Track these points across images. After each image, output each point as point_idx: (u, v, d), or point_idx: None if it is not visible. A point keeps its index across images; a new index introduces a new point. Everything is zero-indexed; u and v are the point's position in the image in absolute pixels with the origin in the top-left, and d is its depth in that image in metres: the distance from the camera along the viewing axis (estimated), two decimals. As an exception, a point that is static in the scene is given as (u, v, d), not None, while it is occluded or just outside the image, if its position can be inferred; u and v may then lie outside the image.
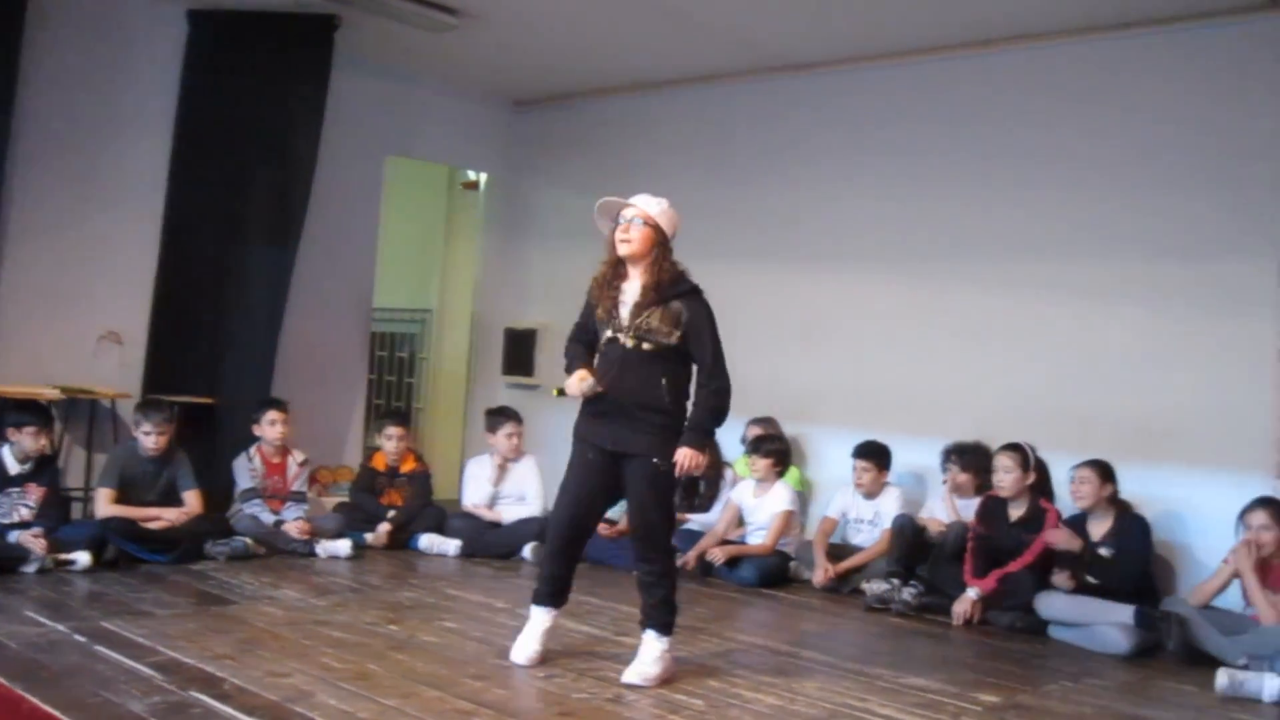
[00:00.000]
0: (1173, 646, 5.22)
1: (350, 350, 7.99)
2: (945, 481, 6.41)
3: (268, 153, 6.89)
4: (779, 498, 6.55)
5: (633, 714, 3.93)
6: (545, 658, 4.44)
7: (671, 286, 4.29)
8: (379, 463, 6.93)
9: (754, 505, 6.64)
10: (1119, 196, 6.29)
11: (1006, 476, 5.87)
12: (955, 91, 6.92)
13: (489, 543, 6.68)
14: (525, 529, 6.69)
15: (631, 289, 4.36)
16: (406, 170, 8.88)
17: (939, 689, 4.49)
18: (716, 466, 7.06)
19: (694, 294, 4.32)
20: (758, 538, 6.57)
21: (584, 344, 4.53)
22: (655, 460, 4.27)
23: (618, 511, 5.78)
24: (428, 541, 6.66)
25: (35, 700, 3.56)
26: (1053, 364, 6.45)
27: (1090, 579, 5.62)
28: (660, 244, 4.34)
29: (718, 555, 6.40)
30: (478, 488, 6.94)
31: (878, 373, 7.11)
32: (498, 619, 5.21)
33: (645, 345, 4.26)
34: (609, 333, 4.36)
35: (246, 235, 6.86)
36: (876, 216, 7.20)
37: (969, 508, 6.22)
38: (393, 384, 9.71)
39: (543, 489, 6.91)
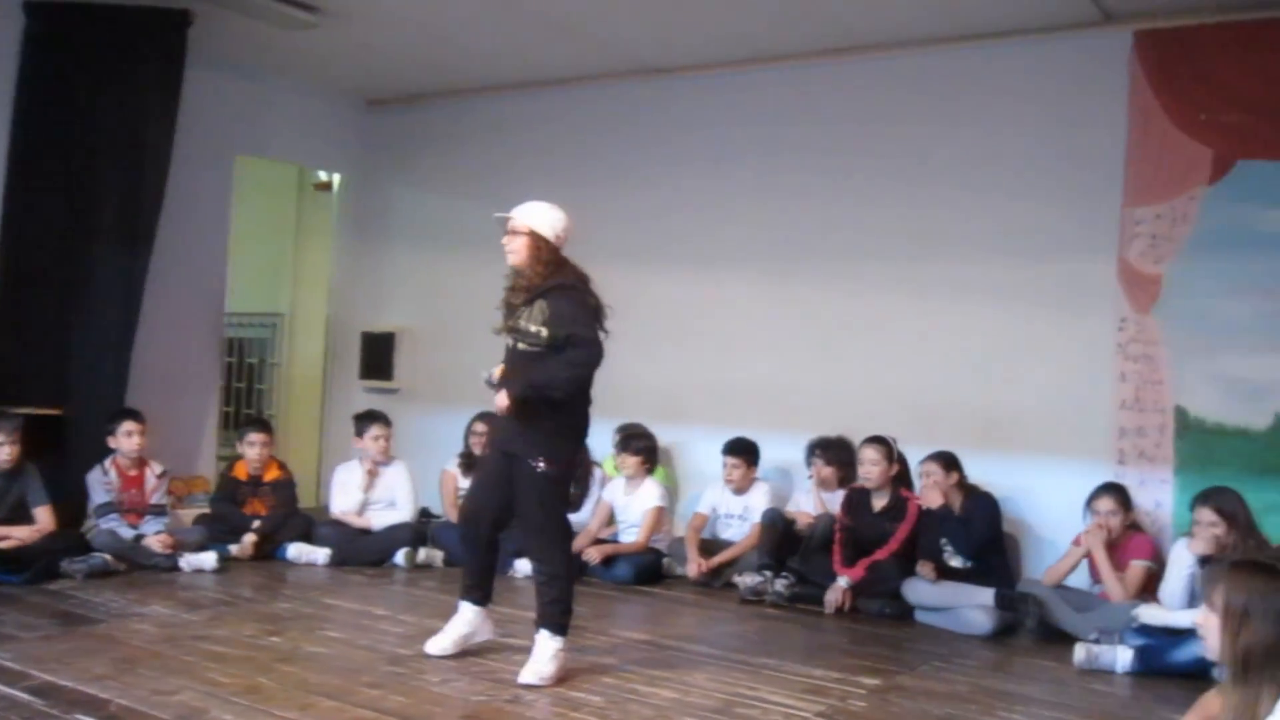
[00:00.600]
0: (1031, 625, 5.53)
1: (202, 357, 7.72)
2: (810, 476, 6.60)
3: (117, 153, 6.58)
4: (649, 495, 6.64)
5: (533, 713, 3.96)
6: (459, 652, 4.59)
7: (541, 285, 4.41)
8: (240, 471, 6.72)
9: (625, 503, 6.72)
10: (969, 200, 6.59)
11: (873, 469, 6.09)
12: (812, 97, 7.12)
13: (360, 550, 6.56)
14: (398, 535, 6.61)
15: (517, 292, 4.51)
16: (254, 171, 8.63)
17: (823, 675, 4.66)
18: (586, 466, 7.13)
19: (560, 289, 4.40)
20: (630, 535, 6.65)
21: None
22: (535, 462, 4.34)
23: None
24: (296, 551, 6.50)
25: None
26: (910, 360, 6.71)
27: (953, 561, 5.89)
28: (537, 248, 4.45)
29: (594, 555, 6.44)
30: (346, 494, 6.81)
31: (742, 371, 7.26)
32: (380, 626, 5.15)
33: (520, 345, 4.42)
34: (504, 335, 4.55)
35: (96, 239, 6.54)
36: (738, 218, 7.34)
37: (834, 500, 6.44)
38: (242, 391, 9.42)
39: (414, 494, 6.83)
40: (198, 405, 7.69)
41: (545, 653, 4.33)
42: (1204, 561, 5.07)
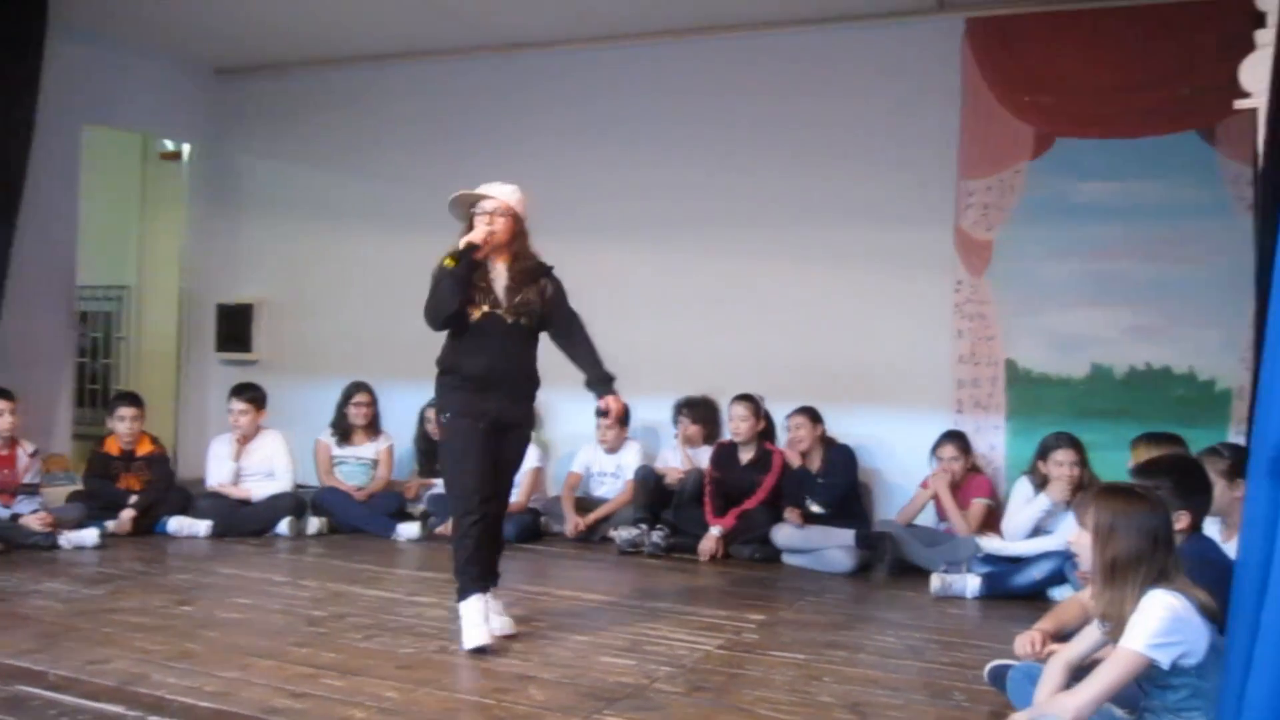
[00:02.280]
0: (887, 561, 6.07)
1: (55, 331, 7.58)
2: (677, 434, 6.99)
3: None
4: (528, 457, 6.87)
5: (462, 660, 4.21)
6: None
7: (537, 267, 4.58)
8: (112, 447, 6.66)
9: (503, 466, 6.95)
10: (819, 172, 7.07)
11: (742, 424, 6.51)
12: (678, 73, 7.48)
13: (241, 520, 6.62)
14: (279, 504, 6.69)
15: (499, 270, 4.54)
16: (96, 141, 8.43)
17: (712, 614, 5.06)
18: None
19: (551, 271, 4.65)
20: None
21: None
22: (529, 429, 4.66)
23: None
24: (177, 524, 6.50)
25: None
26: (767, 322, 7.17)
27: (815, 508, 6.38)
28: (521, 229, 4.58)
29: None
30: (220, 465, 6.84)
31: (608, 336, 7.53)
32: (286, 591, 5.29)
33: (523, 320, 4.51)
34: (485, 308, 4.47)
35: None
36: (605, 188, 7.62)
37: (699, 456, 6.84)
38: (85, 365, 9.20)
39: (292, 463, 6.91)
40: (52, 381, 7.55)
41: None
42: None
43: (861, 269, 6.96)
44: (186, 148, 8.84)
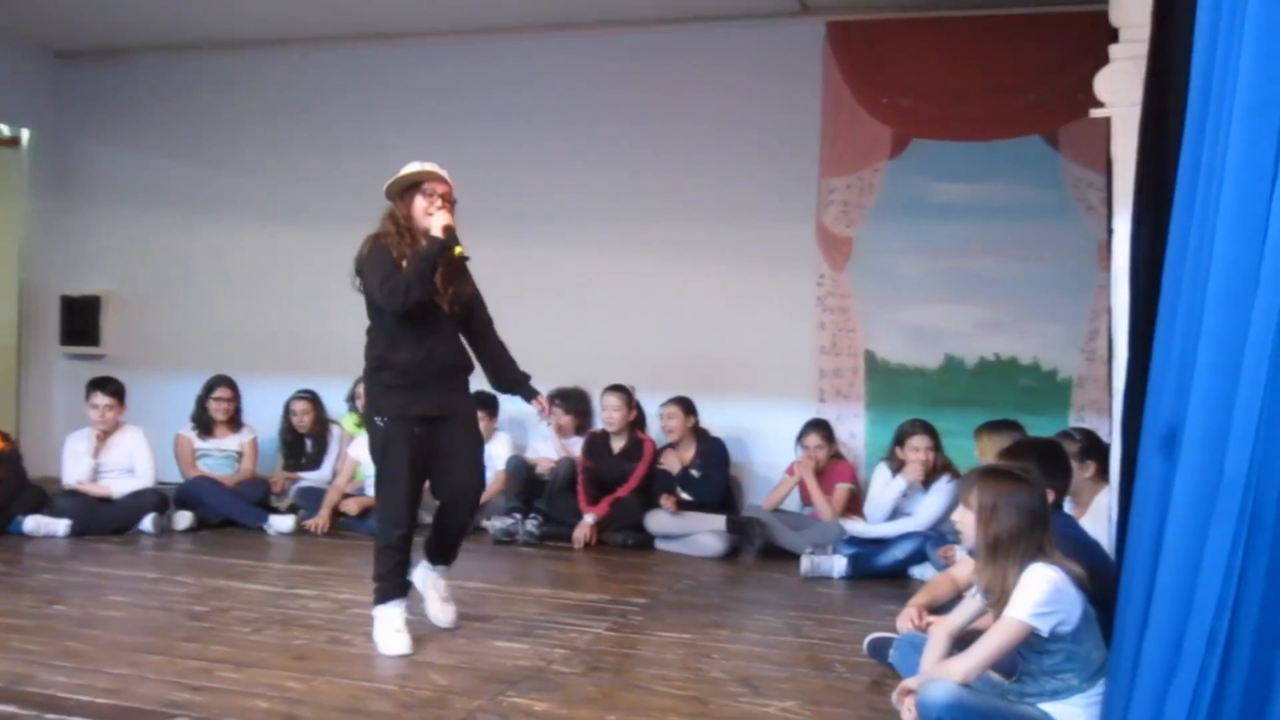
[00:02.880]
0: (757, 545, 6.27)
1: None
2: (550, 424, 7.06)
3: None
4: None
5: (354, 650, 4.21)
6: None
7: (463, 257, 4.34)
8: (-41, 445, 6.39)
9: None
10: (687, 168, 7.26)
11: (615, 414, 6.63)
12: (544, 68, 7.56)
13: (102, 518, 6.38)
14: (142, 501, 6.48)
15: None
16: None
17: (595, 598, 5.18)
18: (324, 425, 7.29)
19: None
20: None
21: None
22: (473, 416, 4.48)
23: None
24: (34, 523, 6.22)
25: None
26: (637, 314, 7.32)
27: (685, 495, 6.55)
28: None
29: (351, 506, 6.64)
30: (78, 462, 6.59)
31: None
32: (161, 589, 5.17)
33: (458, 310, 4.38)
34: (434, 297, 4.27)
35: None
36: (468, 182, 7.55)
37: (572, 445, 6.94)
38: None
39: (154, 459, 6.71)
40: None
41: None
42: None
43: (728, 263, 7.16)
44: (25, 134, 8.45)
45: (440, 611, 4.55)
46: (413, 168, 4.37)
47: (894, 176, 6.95)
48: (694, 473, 6.59)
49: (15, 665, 3.88)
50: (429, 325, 4.27)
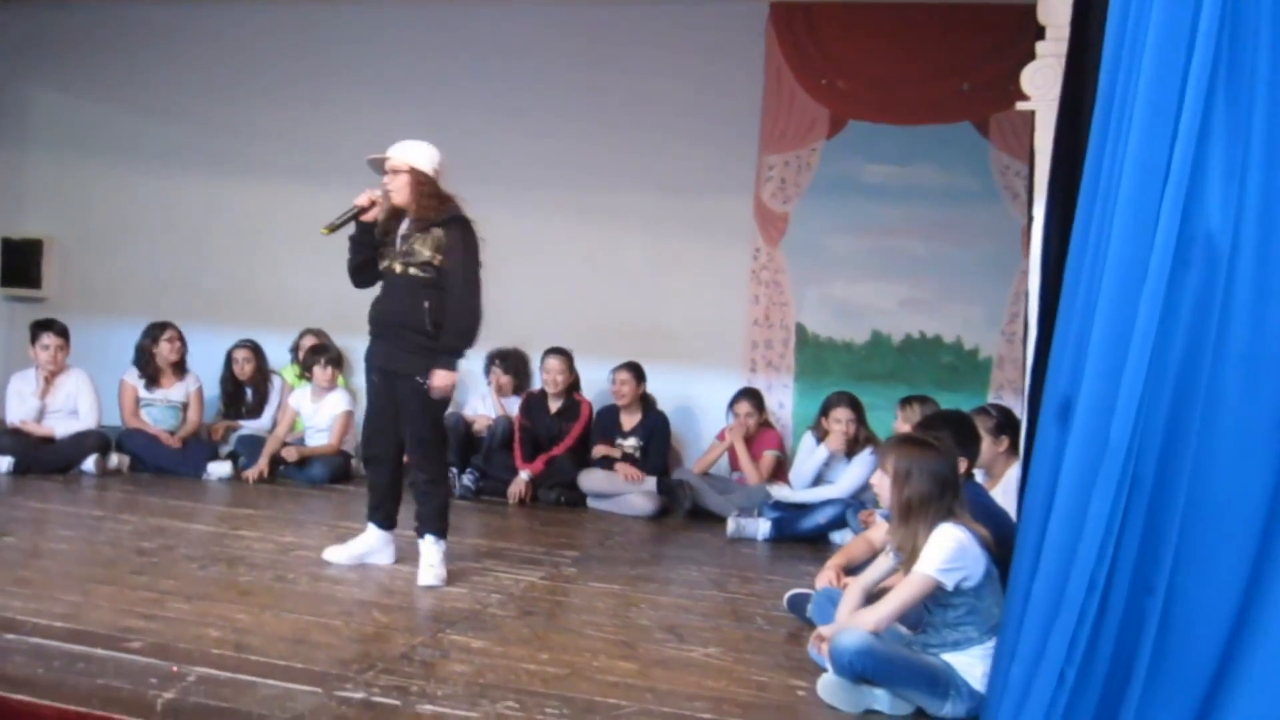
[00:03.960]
0: (685, 507, 6.53)
1: None
2: (489, 383, 7.25)
3: None
4: (338, 401, 7.02)
5: (301, 588, 4.40)
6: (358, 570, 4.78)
7: (435, 215, 4.63)
8: (-99, 381, 6.43)
9: (313, 409, 7.05)
10: (629, 140, 7.42)
11: (558, 376, 6.83)
12: (485, 36, 7.68)
13: (44, 458, 6.46)
14: (83, 442, 6.56)
15: (406, 225, 4.69)
16: None
17: (529, 550, 5.41)
18: (264, 375, 7.41)
19: (457, 222, 4.66)
20: (319, 439, 7.00)
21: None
22: (419, 379, 4.62)
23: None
24: (-24, 460, 6.35)
25: None
26: (576, 280, 7.50)
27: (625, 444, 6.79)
28: (419, 183, 4.65)
29: (291, 454, 6.78)
30: (22, 402, 6.65)
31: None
32: (106, 525, 5.31)
33: (411, 270, 4.62)
34: (386, 262, 4.68)
35: None
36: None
37: (510, 405, 7.13)
38: None
39: (97, 402, 6.78)
40: None
41: (435, 555, 4.67)
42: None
43: (668, 234, 7.38)
44: (-37, 76, 8.41)
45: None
46: (376, 155, 4.73)
47: (830, 156, 7.20)
48: (635, 440, 6.79)
49: (-32, 592, 4.02)
50: (387, 286, 4.72)
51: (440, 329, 4.61)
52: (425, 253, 4.62)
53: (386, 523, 4.88)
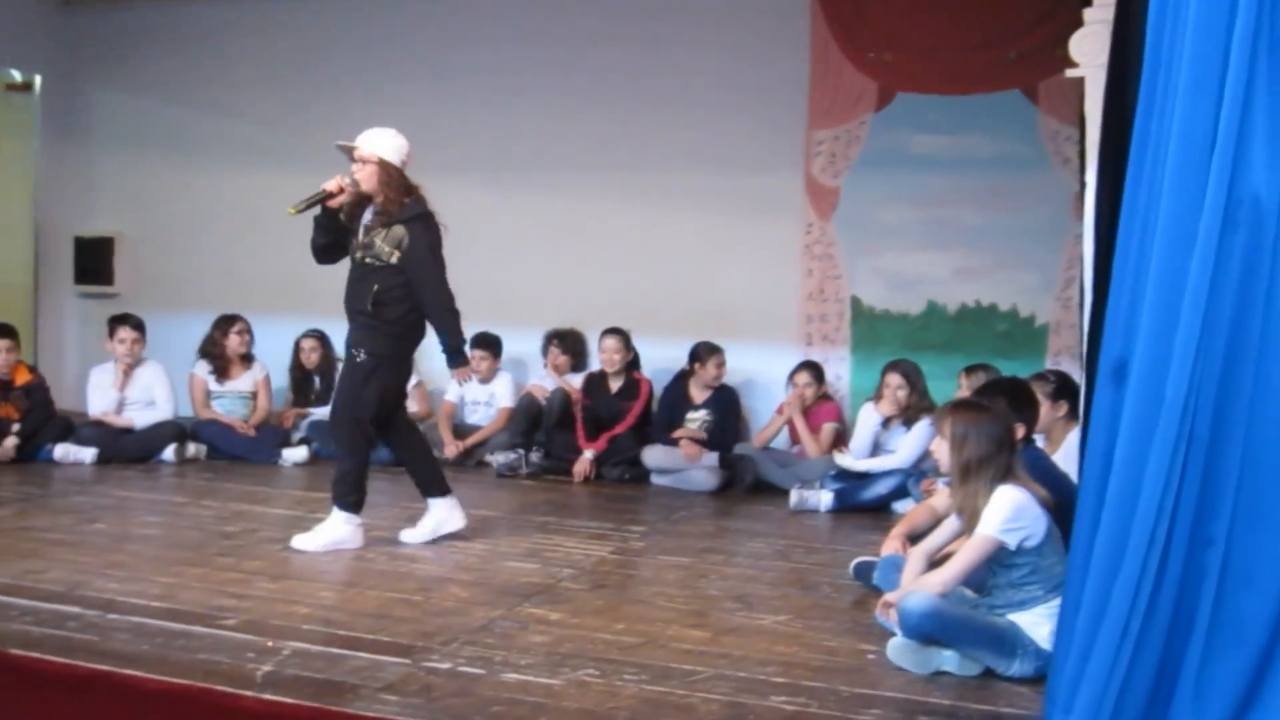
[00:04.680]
0: (747, 481, 6.63)
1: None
2: (547, 364, 7.39)
3: None
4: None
5: (381, 566, 4.56)
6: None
7: (399, 212, 4.80)
8: (-13, 377, 6.69)
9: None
10: (677, 119, 7.50)
11: (615, 355, 6.95)
12: (535, 22, 7.77)
13: (124, 448, 6.72)
14: (163, 432, 6.82)
15: (369, 213, 4.89)
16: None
17: (597, 526, 5.54)
18: (330, 363, 7.60)
19: (418, 220, 4.83)
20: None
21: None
22: (354, 351, 4.85)
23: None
24: (63, 451, 6.57)
25: None
26: (630, 260, 7.61)
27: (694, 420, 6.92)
28: (385, 174, 4.79)
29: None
30: (102, 395, 6.90)
31: (474, 273, 7.85)
32: (189, 511, 5.51)
33: (367, 260, 4.83)
34: (350, 248, 4.92)
35: None
36: (465, 132, 7.87)
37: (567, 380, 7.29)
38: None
39: (172, 393, 7.02)
40: (-97, 312, 7.43)
41: (329, 524, 4.85)
42: (886, 421, 6.36)
43: (720, 212, 7.46)
44: (38, 79, 8.65)
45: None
46: (344, 143, 4.91)
47: (878, 129, 7.24)
48: (705, 414, 6.90)
49: (68, 574, 4.22)
50: (351, 272, 4.92)
51: (381, 309, 4.81)
52: (385, 249, 4.79)
53: (443, 490, 5.09)
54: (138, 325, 6.99)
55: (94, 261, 8.55)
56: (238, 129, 8.40)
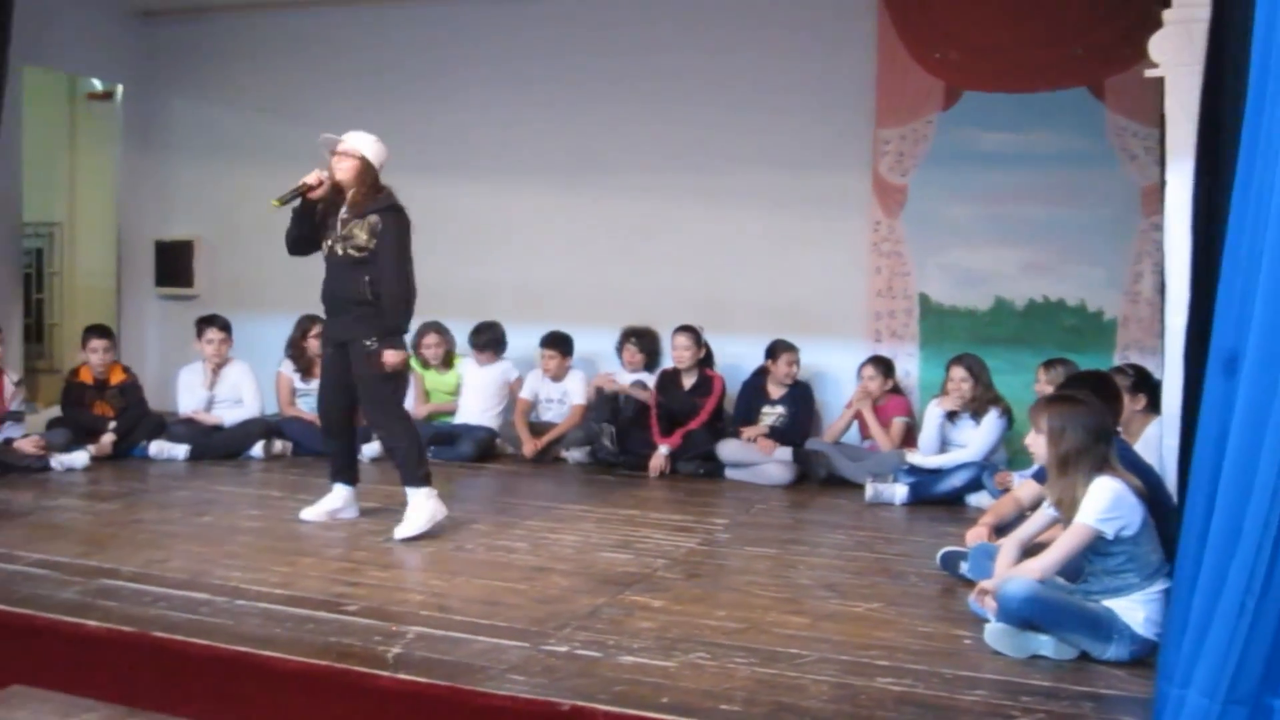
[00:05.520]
0: (821, 475, 6.75)
1: (2, 267, 7.70)
2: (623, 361, 7.52)
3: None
4: (505, 369, 7.63)
5: (481, 557, 4.73)
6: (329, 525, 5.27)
7: (373, 204, 5.09)
8: (85, 376, 6.89)
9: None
10: (746, 120, 7.61)
11: (685, 352, 7.09)
12: (605, 27, 7.87)
13: (215, 445, 6.95)
14: (250, 429, 7.04)
15: (345, 209, 5.15)
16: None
17: (680, 519, 5.68)
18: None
19: (390, 210, 5.10)
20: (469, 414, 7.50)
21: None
22: (366, 342, 5.07)
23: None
24: (158, 448, 6.80)
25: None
26: (700, 259, 7.73)
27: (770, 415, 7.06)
28: (364, 171, 5.12)
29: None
30: (191, 394, 7.14)
31: (545, 273, 8.06)
32: (287, 504, 5.68)
33: (349, 251, 5.09)
34: (329, 242, 5.16)
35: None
36: (537, 136, 8.04)
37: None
38: (16, 300, 9.26)
39: (259, 391, 7.24)
40: (0, 314, 7.67)
41: (418, 505, 5.08)
42: (951, 415, 6.47)
43: (788, 211, 7.57)
44: (120, 89, 8.90)
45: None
46: (326, 136, 5.22)
47: (945, 127, 7.33)
48: (781, 408, 7.04)
49: (189, 563, 4.43)
50: (330, 266, 5.20)
51: (378, 299, 5.03)
52: (361, 237, 5.05)
53: (351, 480, 5.44)
54: (225, 326, 7.20)
55: (174, 265, 8.78)
56: (311, 135, 8.53)
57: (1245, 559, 2.52)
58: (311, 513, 5.31)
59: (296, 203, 5.18)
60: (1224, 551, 2.57)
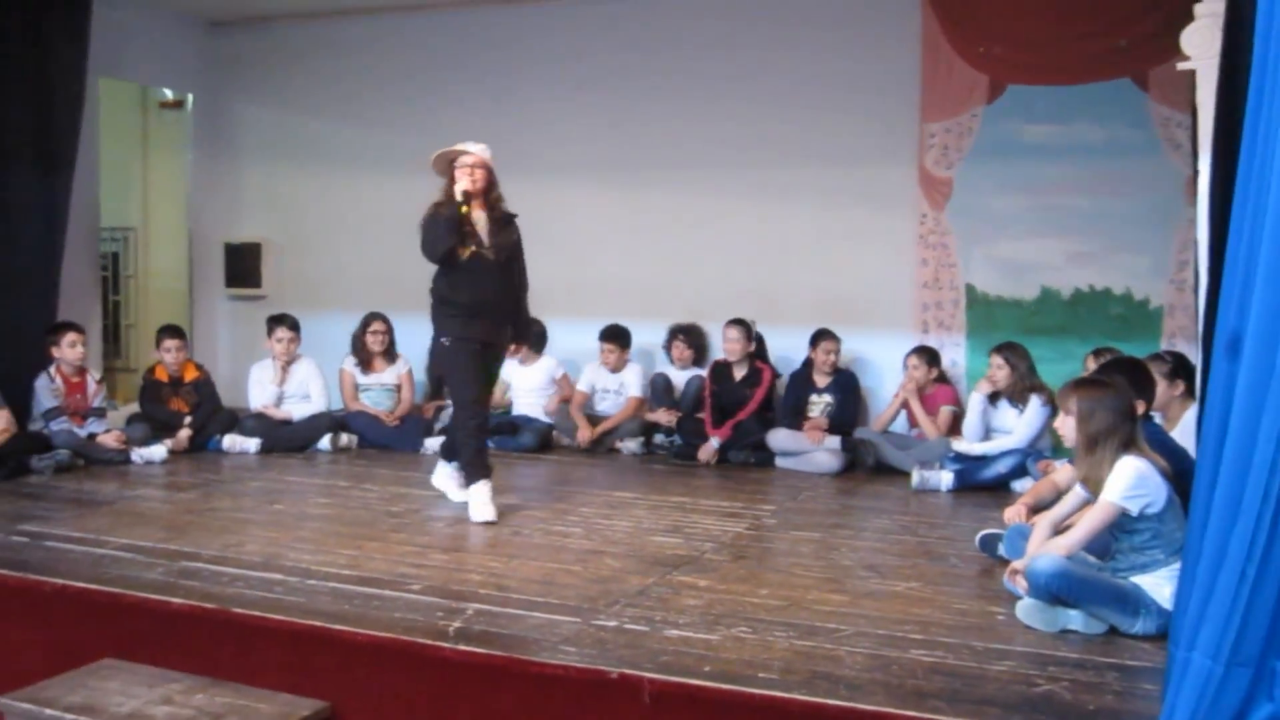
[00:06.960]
0: (869, 463, 6.91)
1: (82, 270, 8.07)
2: (671, 357, 7.74)
3: (24, 80, 6.87)
4: (553, 367, 7.87)
5: (522, 539, 4.96)
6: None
7: (508, 214, 5.48)
8: (160, 374, 7.26)
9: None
10: (792, 116, 7.78)
11: (735, 345, 7.29)
12: (654, 28, 8.10)
13: (284, 439, 7.26)
14: (318, 423, 7.35)
15: (479, 216, 5.41)
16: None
17: (729, 505, 5.88)
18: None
19: (514, 218, 5.54)
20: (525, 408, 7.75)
21: None
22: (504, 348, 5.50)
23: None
24: (230, 441, 7.14)
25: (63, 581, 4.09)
26: (748, 253, 7.93)
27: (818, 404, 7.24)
28: (493, 180, 5.46)
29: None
30: (262, 390, 7.47)
31: (598, 269, 8.29)
32: (354, 493, 5.99)
33: (503, 255, 5.41)
34: (472, 248, 5.36)
35: (11, 165, 6.87)
36: (589, 135, 8.26)
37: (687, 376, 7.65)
38: (92, 303, 9.68)
39: (325, 387, 7.55)
40: (82, 315, 7.99)
41: (480, 495, 5.35)
42: (993, 399, 6.62)
43: (837, 205, 7.73)
44: (189, 97, 9.26)
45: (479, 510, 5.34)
46: (457, 147, 5.41)
47: (990, 120, 7.44)
48: (828, 397, 7.22)
49: (263, 546, 4.71)
50: (477, 272, 5.35)
51: (521, 299, 5.54)
52: (512, 239, 5.46)
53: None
54: (294, 325, 7.52)
55: (243, 266, 9.13)
56: (372, 138, 8.88)
57: (1246, 529, 2.66)
58: (482, 513, 5.27)
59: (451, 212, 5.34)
60: (1226, 523, 2.72)
